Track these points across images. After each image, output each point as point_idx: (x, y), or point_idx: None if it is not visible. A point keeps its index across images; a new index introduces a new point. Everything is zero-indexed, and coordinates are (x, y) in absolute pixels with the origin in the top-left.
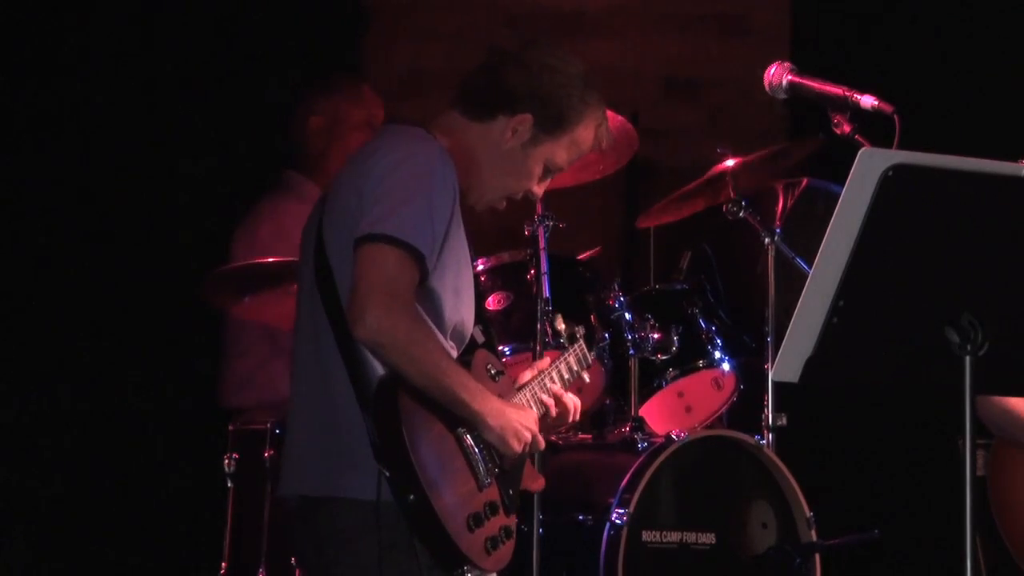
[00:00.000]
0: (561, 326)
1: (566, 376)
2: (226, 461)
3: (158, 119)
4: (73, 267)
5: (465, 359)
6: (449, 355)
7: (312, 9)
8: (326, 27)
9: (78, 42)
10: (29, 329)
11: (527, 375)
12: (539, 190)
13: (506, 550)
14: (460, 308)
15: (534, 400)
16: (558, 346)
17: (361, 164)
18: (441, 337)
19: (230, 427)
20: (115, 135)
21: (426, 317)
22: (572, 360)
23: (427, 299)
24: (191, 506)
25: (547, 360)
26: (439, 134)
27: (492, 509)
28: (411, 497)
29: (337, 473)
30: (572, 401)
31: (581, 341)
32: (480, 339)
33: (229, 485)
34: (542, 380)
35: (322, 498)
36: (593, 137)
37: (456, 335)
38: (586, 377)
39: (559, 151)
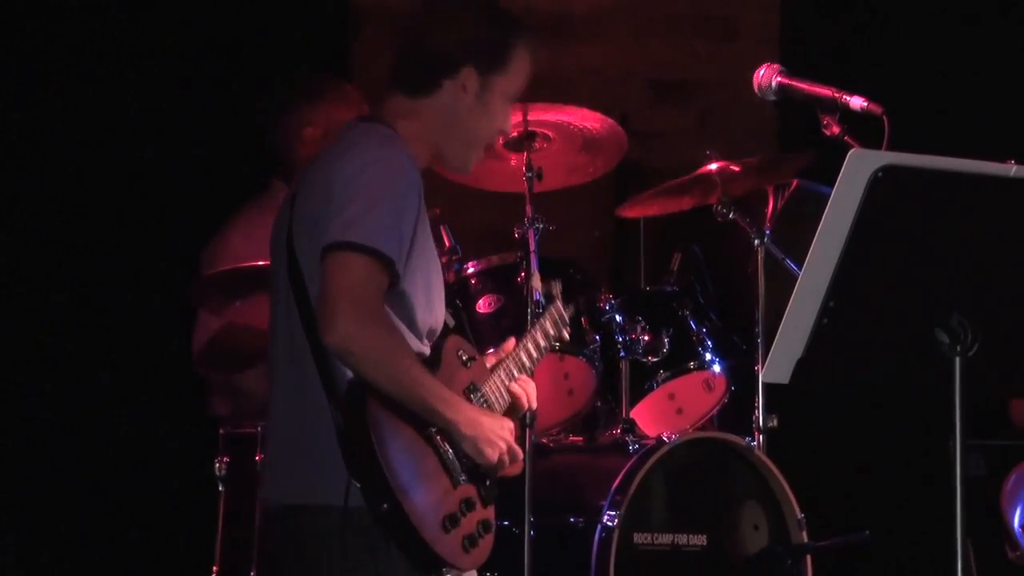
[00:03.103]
0: (538, 284)
1: (542, 343)
2: (217, 465)
3: (142, 124)
4: (66, 270)
5: (437, 344)
6: (420, 364)
7: (301, 13)
8: (316, 31)
9: (61, 43)
10: (18, 332)
11: (492, 359)
12: (509, 126)
13: (485, 545)
14: (432, 308)
15: (503, 388)
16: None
17: (328, 167)
18: (416, 339)
19: (221, 431)
20: (100, 141)
21: (398, 322)
22: (548, 323)
23: (399, 303)
24: (182, 510)
25: (511, 342)
26: (402, 123)
27: (468, 505)
28: (384, 506)
29: (312, 479)
30: (524, 388)
31: (557, 300)
32: (451, 323)
33: (220, 488)
34: (515, 358)
35: (297, 505)
36: (533, 50)
37: (431, 335)
38: (565, 335)
39: (512, 82)
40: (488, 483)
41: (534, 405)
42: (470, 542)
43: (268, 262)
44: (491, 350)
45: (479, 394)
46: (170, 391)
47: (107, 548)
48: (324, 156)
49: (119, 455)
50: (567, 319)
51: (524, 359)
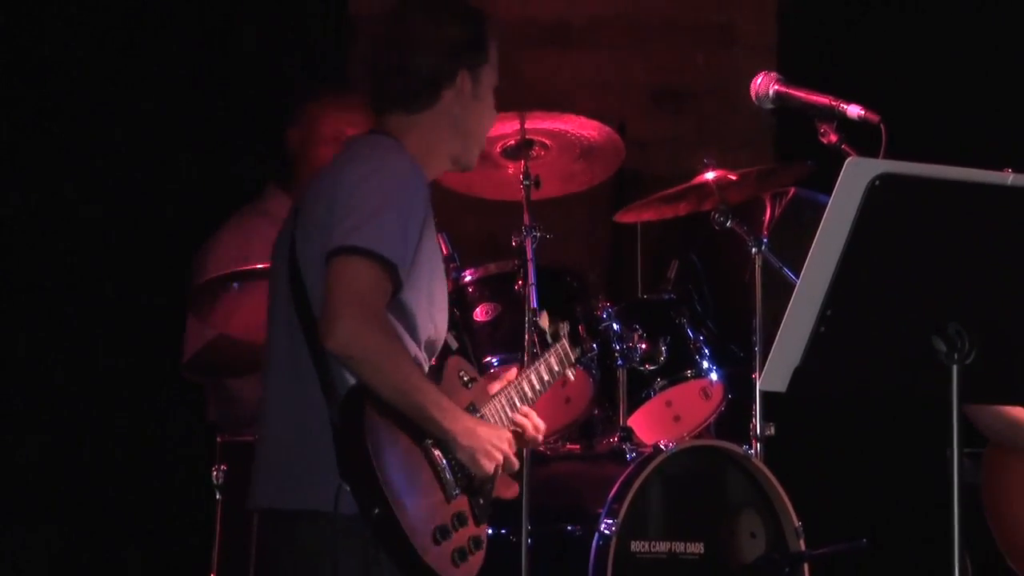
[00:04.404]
0: (545, 323)
1: (546, 378)
2: (214, 472)
3: (147, 129)
4: (65, 275)
5: (438, 364)
6: (421, 371)
7: (299, 19)
8: (313, 37)
9: (60, 45)
10: (17, 339)
11: (496, 386)
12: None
13: (475, 561)
14: (434, 317)
15: (503, 414)
16: (544, 345)
17: (333, 176)
18: (415, 347)
19: (218, 438)
20: (108, 144)
21: (400, 329)
22: (553, 360)
23: (401, 310)
24: (179, 517)
25: (514, 371)
26: (407, 140)
27: (460, 520)
28: (376, 511)
29: (306, 483)
30: (535, 424)
31: (564, 339)
32: (454, 345)
33: (217, 496)
34: (518, 388)
35: (291, 511)
36: (495, 35)
37: (429, 346)
38: (570, 375)
39: (495, 68)
40: (482, 501)
41: (541, 430)
42: (460, 556)
43: (252, 266)
44: (493, 369)
45: (479, 415)
46: (168, 398)
47: (105, 555)
48: (329, 167)
49: (117, 462)
50: (572, 360)
51: (526, 389)
